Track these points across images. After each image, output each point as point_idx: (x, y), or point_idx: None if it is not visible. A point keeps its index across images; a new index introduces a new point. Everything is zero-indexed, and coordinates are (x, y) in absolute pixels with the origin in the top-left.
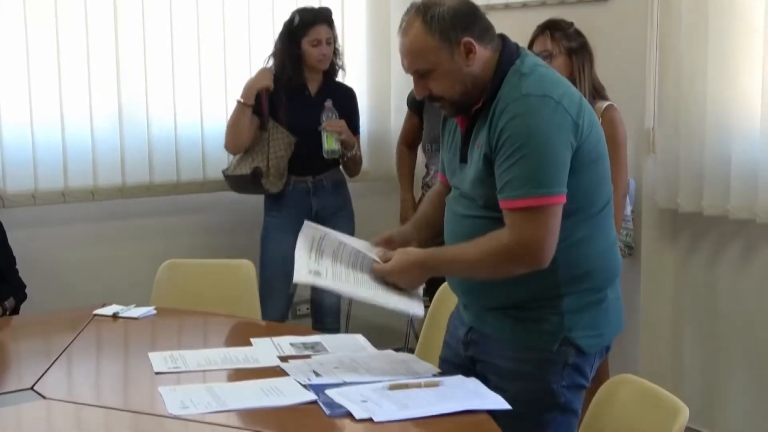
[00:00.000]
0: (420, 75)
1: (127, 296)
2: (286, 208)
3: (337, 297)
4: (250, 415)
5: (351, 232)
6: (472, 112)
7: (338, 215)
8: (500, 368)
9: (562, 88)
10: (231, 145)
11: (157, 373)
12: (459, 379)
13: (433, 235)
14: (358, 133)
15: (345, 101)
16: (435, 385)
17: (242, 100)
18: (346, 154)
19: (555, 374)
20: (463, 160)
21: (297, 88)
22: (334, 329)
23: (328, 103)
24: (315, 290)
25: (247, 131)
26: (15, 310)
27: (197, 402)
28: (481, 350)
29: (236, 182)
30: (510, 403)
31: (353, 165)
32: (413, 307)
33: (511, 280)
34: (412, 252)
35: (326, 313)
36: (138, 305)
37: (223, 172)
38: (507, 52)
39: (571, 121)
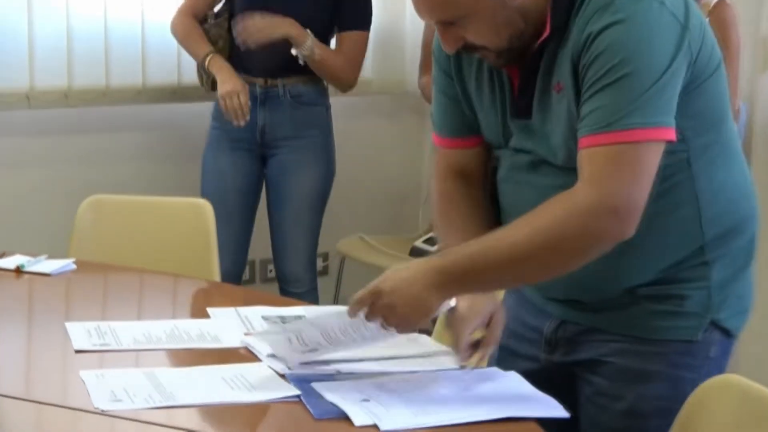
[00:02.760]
0: (448, 24)
1: (35, 244)
2: (224, 117)
3: (307, 264)
4: (207, 414)
5: (319, 176)
6: (537, 47)
7: (296, 145)
8: (615, 369)
9: None
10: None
11: (77, 352)
12: (493, 372)
13: None
14: (359, 27)
15: None
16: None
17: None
18: (300, 53)
19: (693, 371)
20: (523, 113)
21: None
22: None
23: None
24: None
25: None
26: None
27: (134, 394)
28: (582, 349)
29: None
30: (625, 414)
31: (318, 69)
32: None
33: (641, 249)
34: (411, 264)
35: (290, 282)
36: (50, 257)
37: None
38: None
39: (679, 27)
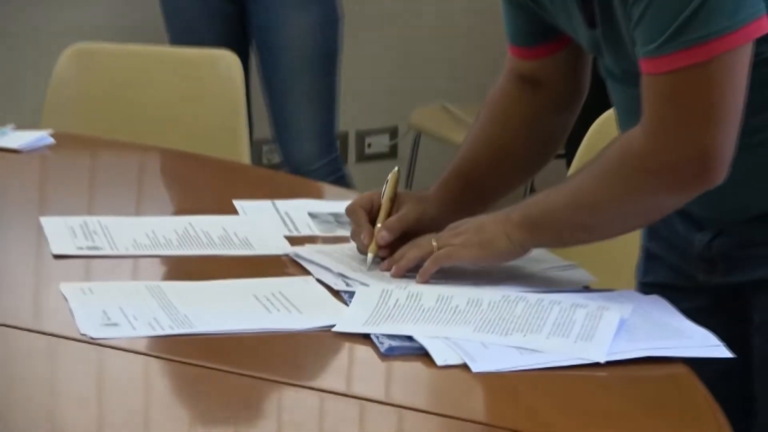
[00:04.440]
0: None
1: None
2: None
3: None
4: (235, 346)
5: (314, 20)
6: None
7: (281, 28)
8: None
9: None
10: None
11: (56, 258)
12: (629, 295)
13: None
14: None
15: None
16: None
17: None
18: None
19: None
20: (590, 24)
21: None
22: None
23: None
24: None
25: None
26: None
27: (134, 316)
28: (750, 266)
29: None
30: None
31: None
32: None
33: None
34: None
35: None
36: (20, 127)
37: None
38: None
39: None
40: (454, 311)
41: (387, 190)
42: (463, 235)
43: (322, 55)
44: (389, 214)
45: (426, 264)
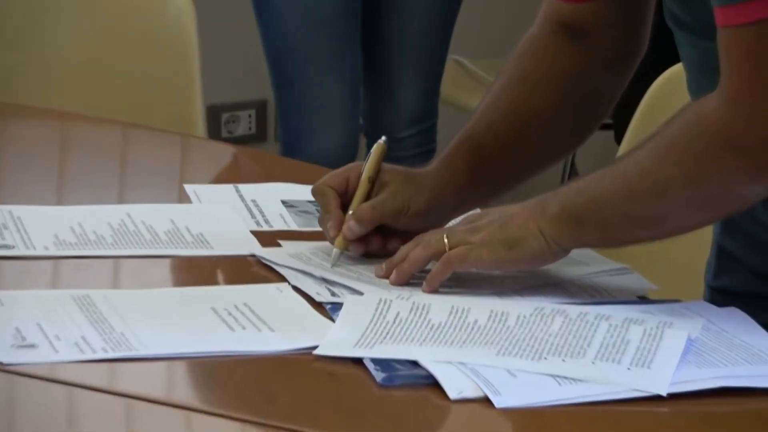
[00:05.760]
0: None
1: None
2: None
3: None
4: (185, 374)
5: None
6: None
7: None
8: None
9: None
10: None
11: None
12: (700, 307)
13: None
14: None
15: None
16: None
17: None
18: None
19: None
20: None
21: None
22: None
23: None
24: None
25: None
26: None
27: (55, 335)
28: None
29: None
30: None
31: None
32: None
33: None
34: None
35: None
36: None
37: None
38: None
39: None
40: (472, 328)
41: (366, 167)
42: (484, 231)
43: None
44: (367, 198)
45: (435, 267)
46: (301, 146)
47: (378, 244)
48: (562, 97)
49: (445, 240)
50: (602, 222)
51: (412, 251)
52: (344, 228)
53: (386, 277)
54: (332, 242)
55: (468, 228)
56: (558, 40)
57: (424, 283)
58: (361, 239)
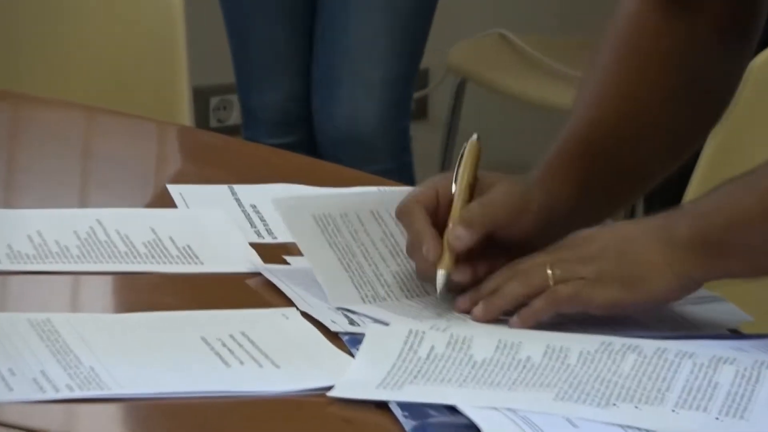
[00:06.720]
0: None
1: None
2: None
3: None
4: (179, 417)
5: None
6: None
7: None
8: None
9: None
10: None
11: None
12: None
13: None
14: None
15: None
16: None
17: None
18: None
19: None
20: None
21: None
22: None
23: None
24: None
25: None
26: None
27: (9, 370)
28: None
29: None
30: None
31: None
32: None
33: None
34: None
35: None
36: None
37: None
38: None
39: None
40: (524, 367)
41: (461, 172)
42: (596, 263)
43: None
44: None
45: (537, 303)
46: (250, 97)
47: (485, 268)
48: (679, 81)
49: (549, 272)
50: (748, 249)
51: (506, 284)
52: (450, 237)
53: (469, 311)
54: (427, 271)
55: (574, 256)
56: (664, 15)
57: (516, 316)
58: (469, 259)
